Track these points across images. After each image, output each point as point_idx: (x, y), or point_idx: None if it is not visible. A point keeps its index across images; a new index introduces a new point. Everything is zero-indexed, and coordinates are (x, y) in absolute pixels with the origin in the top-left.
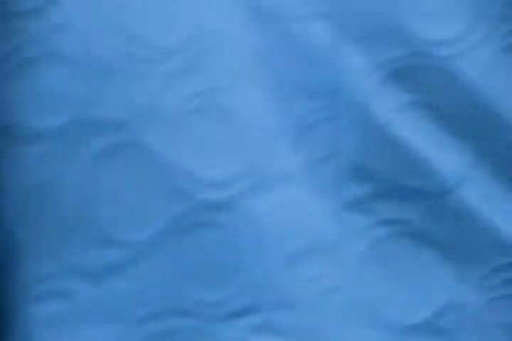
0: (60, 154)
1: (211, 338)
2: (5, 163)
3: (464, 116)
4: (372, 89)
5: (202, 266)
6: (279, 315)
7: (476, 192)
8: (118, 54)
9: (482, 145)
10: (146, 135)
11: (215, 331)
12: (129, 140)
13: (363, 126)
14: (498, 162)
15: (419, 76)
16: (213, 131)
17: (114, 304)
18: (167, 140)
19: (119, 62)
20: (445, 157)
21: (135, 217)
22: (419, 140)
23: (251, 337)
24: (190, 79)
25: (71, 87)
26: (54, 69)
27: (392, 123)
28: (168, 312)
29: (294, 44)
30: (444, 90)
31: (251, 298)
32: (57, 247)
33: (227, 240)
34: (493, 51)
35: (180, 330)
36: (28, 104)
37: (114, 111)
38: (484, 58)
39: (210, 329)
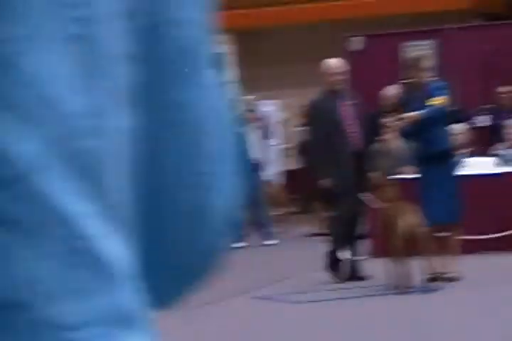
0: None
1: None
2: None
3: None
4: None
5: None
6: None
7: (48, 177)
8: None
9: (49, 134)
10: None
11: None
12: None
13: None
14: (66, 149)
15: None
16: None
17: None
18: None
19: None
20: (19, 146)
21: None
22: None
23: None
24: None
25: None
26: None
27: None
28: None
29: None
30: None
31: None
32: None
33: None
34: (51, 43)
35: None
36: None
37: None
38: (48, 52)
39: None
